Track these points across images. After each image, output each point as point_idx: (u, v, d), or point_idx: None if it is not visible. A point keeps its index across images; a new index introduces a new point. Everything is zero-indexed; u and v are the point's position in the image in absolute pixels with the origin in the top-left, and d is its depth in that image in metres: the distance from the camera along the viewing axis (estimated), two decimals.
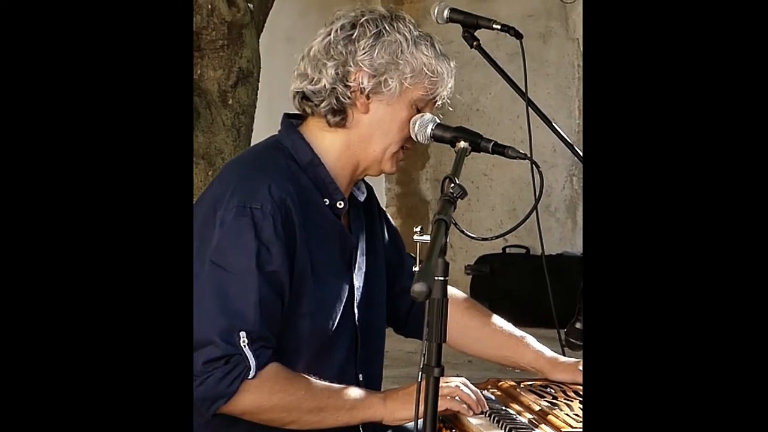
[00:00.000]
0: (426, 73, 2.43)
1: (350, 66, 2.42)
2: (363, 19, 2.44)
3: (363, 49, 2.42)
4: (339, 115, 2.44)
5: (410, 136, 2.48)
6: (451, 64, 2.50)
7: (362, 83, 2.42)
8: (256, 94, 5.04)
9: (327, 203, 2.44)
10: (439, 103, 2.49)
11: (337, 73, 2.42)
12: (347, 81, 2.42)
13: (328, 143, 2.46)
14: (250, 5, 4.96)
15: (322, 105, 2.44)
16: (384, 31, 2.43)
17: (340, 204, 2.46)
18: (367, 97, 2.43)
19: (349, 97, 2.43)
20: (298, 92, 2.47)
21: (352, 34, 2.43)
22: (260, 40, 5.04)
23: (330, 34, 2.44)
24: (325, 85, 2.43)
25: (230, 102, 4.96)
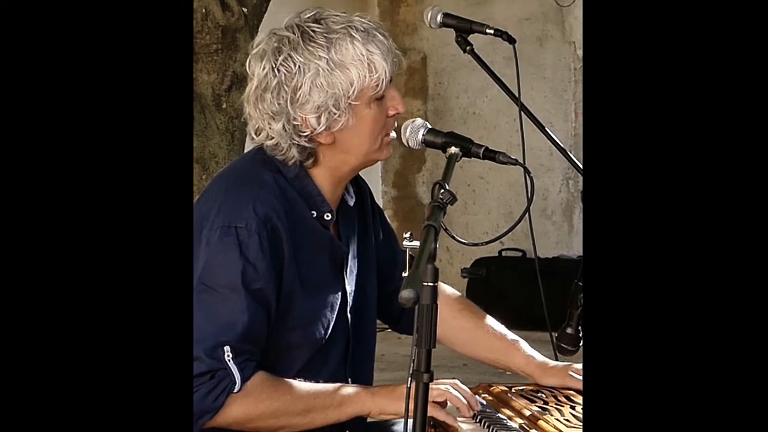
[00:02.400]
0: (363, 75, 2.34)
1: (294, 119, 2.35)
2: (278, 62, 2.33)
3: (295, 94, 2.33)
4: (310, 158, 2.41)
5: (386, 123, 2.42)
6: (379, 34, 2.36)
7: (314, 127, 2.35)
8: None
9: (314, 215, 2.43)
10: (393, 76, 2.40)
11: (286, 130, 2.36)
12: (300, 132, 2.36)
13: (311, 165, 2.43)
14: (245, 9, 4.97)
15: (289, 156, 2.40)
16: (303, 67, 2.32)
17: (327, 216, 2.44)
18: (328, 129, 2.37)
19: (309, 142, 2.38)
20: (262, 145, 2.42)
21: (277, 82, 2.34)
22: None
23: (259, 88, 2.36)
24: (280, 143, 2.38)
25: (224, 106, 4.97)
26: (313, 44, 2.33)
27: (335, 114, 2.34)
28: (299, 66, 2.33)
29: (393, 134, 2.46)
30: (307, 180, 2.43)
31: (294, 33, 2.35)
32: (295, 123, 2.35)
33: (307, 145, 2.38)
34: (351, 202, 2.56)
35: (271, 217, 2.34)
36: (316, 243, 2.44)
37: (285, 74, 2.33)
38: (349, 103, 2.35)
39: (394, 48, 2.41)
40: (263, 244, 2.32)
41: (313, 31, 2.34)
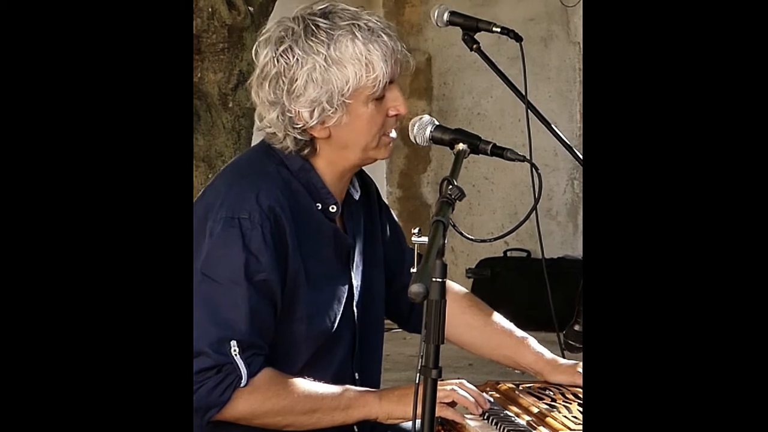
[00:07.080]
0: (360, 74, 2.35)
1: (288, 111, 2.36)
2: (279, 52, 2.35)
3: (291, 86, 2.35)
4: (306, 148, 2.42)
5: (386, 122, 2.43)
6: (384, 34, 2.36)
7: (306, 121, 2.37)
8: None
9: (319, 208, 2.44)
10: (396, 78, 2.40)
11: (280, 120, 2.38)
12: (294, 123, 2.38)
13: (309, 155, 2.44)
14: (251, 8, 4.98)
15: (285, 145, 2.41)
16: (301, 60, 2.34)
17: (332, 208, 2.45)
18: (322, 123, 2.38)
19: (303, 134, 2.39)
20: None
21: (276, 72, 2.36)
22: None
23: (260, 75, 2.39)
24: (276, 132, 2.40)
25: (230, 105, 4.98)
26: (314, 39, 2.35)
27: (328, 110, 2.35)
28: (297, 59, 2.34)
29: (393, 134, 2.47)
30: (312, 172, 2.44)
31: (298, 25, 2.37)
32: (290, 115, 2.37)
33: (299, 137, 2.40)
34: (356, 196, 2.56)
35: (275, 209, 2.35)
36: (321, 235, 2.45)
37: (284, 65, 2.35)
38: (344, 101, 2.35)
39: (402, 48, 2.40)
40: (266, 235, 2.33)
41: (317, 25, 2.36)
